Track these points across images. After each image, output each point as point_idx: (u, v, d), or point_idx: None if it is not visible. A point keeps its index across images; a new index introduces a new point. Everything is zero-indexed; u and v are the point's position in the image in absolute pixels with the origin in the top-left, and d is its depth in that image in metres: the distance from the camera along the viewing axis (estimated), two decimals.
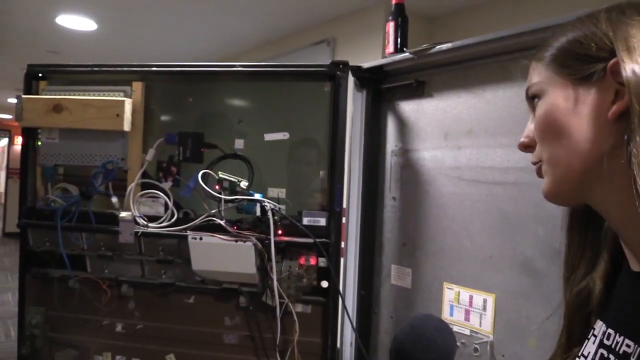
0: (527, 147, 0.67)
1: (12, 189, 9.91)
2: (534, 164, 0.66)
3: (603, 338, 0.61)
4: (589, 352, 0.63)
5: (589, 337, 0.65)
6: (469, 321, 1.39)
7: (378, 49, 2.80)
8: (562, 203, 0.67)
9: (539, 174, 0.65)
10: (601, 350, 0.61)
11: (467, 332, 1.39)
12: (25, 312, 1.72)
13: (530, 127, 0.67)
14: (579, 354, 0.65)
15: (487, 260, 1.36)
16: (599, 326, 0.63)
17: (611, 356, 0.59)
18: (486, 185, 1.36)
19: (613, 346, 0.59)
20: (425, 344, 0.86)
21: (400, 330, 0.92)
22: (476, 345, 1.36)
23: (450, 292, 1.44)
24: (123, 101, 1.61)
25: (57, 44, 4.33)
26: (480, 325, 1.36)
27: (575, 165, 0.59)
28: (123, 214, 1.62)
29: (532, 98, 0.66)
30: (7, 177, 10.94)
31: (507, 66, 1.32)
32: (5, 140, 13.97)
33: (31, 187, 1.73)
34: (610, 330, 0.60)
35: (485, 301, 1.35)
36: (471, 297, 1.39)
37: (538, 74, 0.65)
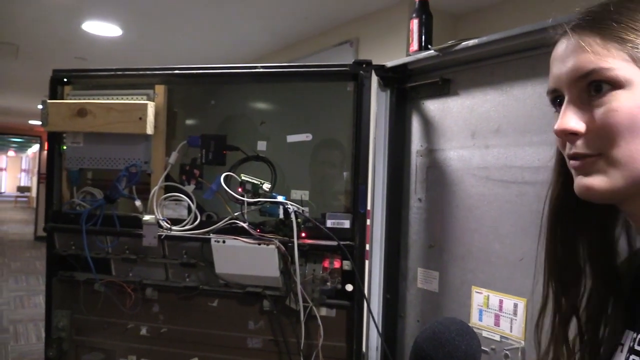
0: (575, 134, 0.60)
1: (43, 194, 10.15)
2: (585, 156, 0.59)
3: (634, 345, 0.60)
4: None
5: (616, 347, 0.63)
6: (499, 326, 1.34)
7: (402, 49, 2.76)
8: (601, 201, 0.63)
9: (586, 167, 0.59)
10: (633, 357, 0.59)
11: (497, 338, 1.34)
12: (52, 315, 1.74)
13: (584, 114, 0.59)
14: None
15: (517, 264, 1.31)
16: (627, 334, 0.62)
17: None
18: (516, 185, 1.32)
19: None
20: (447, 350, 0.82)
21: (421, 335, 0.87)
22: (507, 352, 1.31)
23: (479, 296, 1.40)
24: (146, 104, 1.61)
25: (83, 51, 4.41)
26: (511, 331, 1.31)
27: None
28: (146, 217, 1.62)
29: (598, 82, 0.58)
30: (39, 183, 11.22)
31: (536, 61, 1.27)
32: (36, 147, 14.34)
33: (57, 191, 1.75)
34: None
35: (516, 306, 1.30)
36: (501, 302, 1.34)
37: (613, 56, 0.57)
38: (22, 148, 21.38)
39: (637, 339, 0.59)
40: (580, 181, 0.60)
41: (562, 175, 0.68)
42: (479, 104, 1.43)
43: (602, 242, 0.68)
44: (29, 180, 21.22)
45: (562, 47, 0.62)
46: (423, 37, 1.54)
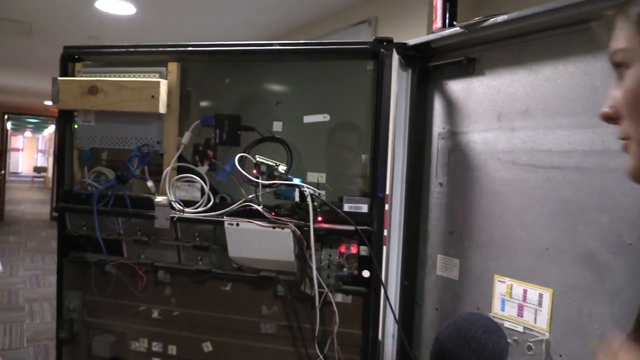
0: (610, 118, 0.60)
1: None
2: (622, 139, 0.60)
3: None
4: None
5: None
6: (522, 317, 1.29)
7: (422, 28, 2.67)
8: None
9: (626, 150, 0.59)
10: None
11: (520, 329, 1.29)
12: (63, 296, 1.72)
13: (615, 96, 0.59)
14: None
15: (543, 252, 1.25)
16: None
17: None
18: (544, 170, 1.25)
19: None
20: (473, 348, 0.76)
21: (443, 331, 0.81)
22: (530, 343, 1.26)
23: (501, 285, 1.34)
24: (158, 82, 1.56)
25: (96, 30, 4.35)
26: (535, 322, 1.26)
27: None
28: (159, 199, 1.58)
29: (618, 65, 0.58)
30: (55, 163, 11.30)
31: (569, 39, 1.20)
32: (52, 127, 14.42)
33: (68, 171, 1.72)
34: None
35: (541, 296, 1.25)
36: (525, 291, 1.28)
37: (625, 37, 0.56)
38: (38, 129, 21.54)
39: None
40: (625, 164, 0.59)
41: None
42: (506, 85, 1.35)
43: None
44: (46, 161, 21.42)
45: None
46: (447, 13, 1.47)
